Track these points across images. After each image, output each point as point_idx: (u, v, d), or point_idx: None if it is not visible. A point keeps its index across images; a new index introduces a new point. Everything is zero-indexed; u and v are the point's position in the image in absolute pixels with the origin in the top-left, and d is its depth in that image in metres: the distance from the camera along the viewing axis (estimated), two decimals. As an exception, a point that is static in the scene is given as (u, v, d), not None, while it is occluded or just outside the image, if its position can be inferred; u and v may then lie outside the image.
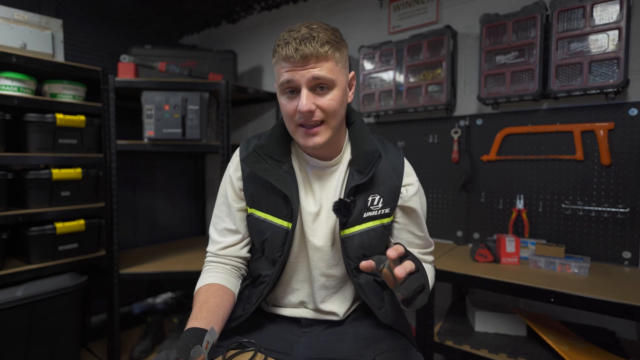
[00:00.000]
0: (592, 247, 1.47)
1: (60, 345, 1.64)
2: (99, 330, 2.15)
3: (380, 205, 0.93)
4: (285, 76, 0.82)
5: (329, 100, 0.83)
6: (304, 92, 0.81)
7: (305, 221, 0.93)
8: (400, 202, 0.95)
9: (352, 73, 0.92)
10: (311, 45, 0.79)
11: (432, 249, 1.05)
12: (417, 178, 0.99)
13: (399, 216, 0.98)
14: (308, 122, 0.84)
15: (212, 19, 2.60)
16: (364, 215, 0.92)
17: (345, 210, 0.87)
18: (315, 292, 0.96)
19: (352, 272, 0.94)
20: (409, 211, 0.97)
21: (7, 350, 1.49)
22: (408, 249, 1.01)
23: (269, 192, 0.93)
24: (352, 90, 0.93)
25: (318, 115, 0.83)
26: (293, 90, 0.84)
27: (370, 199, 0.92)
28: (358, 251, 0.92)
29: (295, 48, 0.79)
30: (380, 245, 0.96)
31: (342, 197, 0.91)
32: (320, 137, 0.85)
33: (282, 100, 0.86)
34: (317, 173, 0.95)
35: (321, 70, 0.80)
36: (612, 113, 1.42)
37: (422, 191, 1.01)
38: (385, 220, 0.95)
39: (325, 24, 0.85)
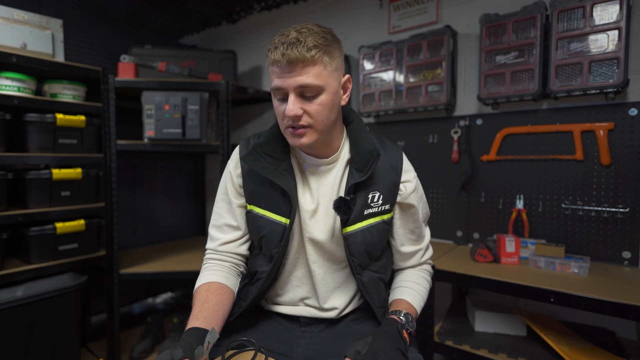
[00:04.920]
0: (592, 247, 1.47)
1: (60, 345, 1.64)
2: (99, 330, 2.15)
3: (380, 201, 0.95)
4: (275, 82, 0.85)
5: (317, 105, 0.85)
6: (291, 97, 0.84)
7: (303, 218, 0.95)
8: (399, 199, 0.97)
9: (347, 76, 0.92)
10: (297, 50, 0.80)
11: (423, 244, 1.06)
12: (415, 174, 1.01)
13: (397, 212, 0.99)
14: (295, 125, 0.86)
15: (212, 19, 2.60)
16: (365, 212, 0.93)
17: (345, 208, 0.90)
18: (317, 287, 0.98)
19: (356, 269, 0.95)
20: (407, 207, 0.98)
21: (7, 350, 1.49)
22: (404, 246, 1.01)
23: (267, 189, 0.95)
24: (347, 93, 0.93)
25: (305, 119, 0.85)
26: (283, 95, 0.86)
27: (370, 196, 0.94)
28: (361, 248, 0.94)
29: (282, 53, 0.81)
30: (381, 242, 0.98)
31: (342, 195, 0.92)
32: (306, 139, 0.87)
33: (274, 103, 0.89)
34: (314, 171, 0.97)
35: (307, 77, 0.82)
36: (612, 113, 1.42)
37: (420, 186, 1.02)
38: (386, 217, 0.97)
39: (318, 25, 0.85)
